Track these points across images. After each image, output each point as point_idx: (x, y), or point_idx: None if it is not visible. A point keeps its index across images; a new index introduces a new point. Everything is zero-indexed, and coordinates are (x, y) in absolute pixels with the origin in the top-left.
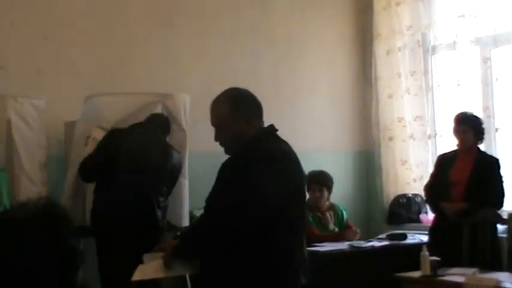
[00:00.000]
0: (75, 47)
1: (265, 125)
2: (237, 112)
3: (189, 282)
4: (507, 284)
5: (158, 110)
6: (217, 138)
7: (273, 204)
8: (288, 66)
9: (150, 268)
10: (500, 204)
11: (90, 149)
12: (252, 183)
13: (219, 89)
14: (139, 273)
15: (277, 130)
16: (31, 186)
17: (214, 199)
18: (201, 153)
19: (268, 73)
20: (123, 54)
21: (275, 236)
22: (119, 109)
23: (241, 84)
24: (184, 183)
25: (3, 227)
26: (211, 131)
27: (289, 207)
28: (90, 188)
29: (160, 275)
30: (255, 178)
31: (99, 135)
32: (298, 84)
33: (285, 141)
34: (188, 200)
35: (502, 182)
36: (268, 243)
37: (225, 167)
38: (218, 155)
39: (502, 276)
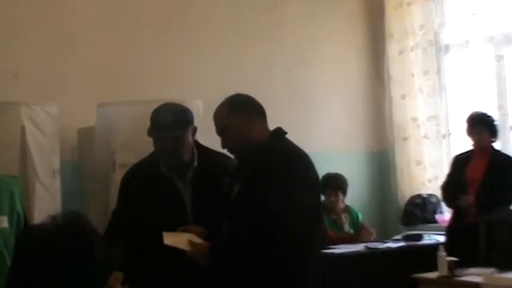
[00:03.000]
0: (85, 54)
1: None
2: (235, 114)
3: None
4: None
5: None
6: (223, 145)
7: (289, 228)
8: (301, 69)
9: (178, 239)
10: None
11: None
12: (267, 210)
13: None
14: (169, 240)
15: (285, 133)
16: (45, 192)
17: (234, 220)
18: None
19: (281, 76)
20: (134, 60)
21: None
22: (133, 118)
23: (254, 90)
24: None
25: (39, 239)
26: None
27: (303, 217)
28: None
29: (188, 248)
30: (269, 199)
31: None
32: (311, 87)
33: (293, 145)
34: None
35: None
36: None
37: (235, 174)
38: None
39: None
